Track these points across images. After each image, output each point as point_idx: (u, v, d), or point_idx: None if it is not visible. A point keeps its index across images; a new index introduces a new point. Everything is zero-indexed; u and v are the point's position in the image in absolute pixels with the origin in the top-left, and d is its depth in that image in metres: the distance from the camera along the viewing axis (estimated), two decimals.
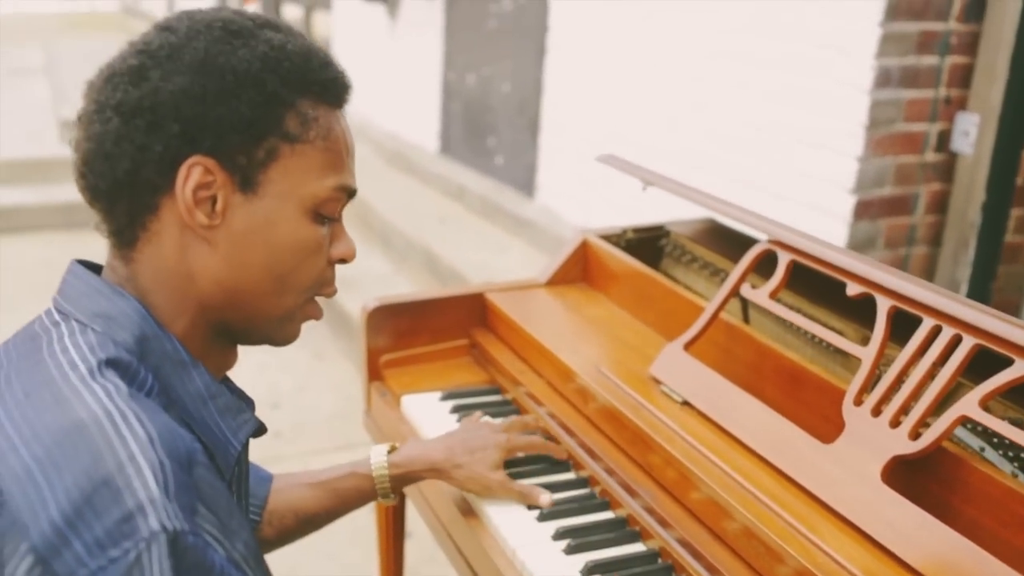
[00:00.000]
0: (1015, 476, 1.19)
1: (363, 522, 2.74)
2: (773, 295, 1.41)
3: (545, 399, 1.60)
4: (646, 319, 1.73)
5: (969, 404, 1.11)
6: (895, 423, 1.17)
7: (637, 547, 1.30)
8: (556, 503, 1.38)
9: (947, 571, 1.03)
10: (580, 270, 1.92)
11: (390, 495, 1.38)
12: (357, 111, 6.39)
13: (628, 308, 1.79)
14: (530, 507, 1.38)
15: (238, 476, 1.04)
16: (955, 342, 1.16)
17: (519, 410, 1.65)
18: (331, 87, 0.97)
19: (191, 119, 0.88)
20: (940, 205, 2.68)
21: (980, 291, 2.60)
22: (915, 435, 1.14)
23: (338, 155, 0.97)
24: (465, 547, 1.42)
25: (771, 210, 2.77)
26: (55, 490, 0.74)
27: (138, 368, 0.87)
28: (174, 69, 0.89)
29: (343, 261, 1.01)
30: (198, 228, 0.90)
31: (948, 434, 1.12)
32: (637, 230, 1.95)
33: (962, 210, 2.59)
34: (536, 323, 1.72)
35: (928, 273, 2.72)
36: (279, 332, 1.00)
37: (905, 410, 1.17)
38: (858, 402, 1.22)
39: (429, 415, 1.64)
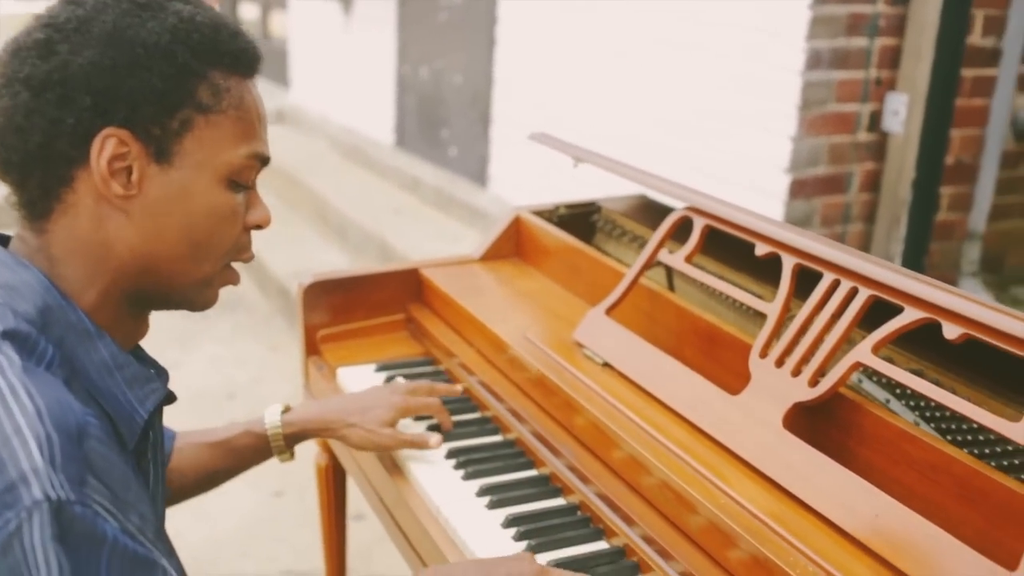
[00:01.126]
0: (917, 424, 1.25)
1: (311, 504, 2.78)
2: (688, 259, 1.46)
3: (476, 368, 1.64)
4: (576, 291, 1.78)
5: (863, 351, 1.16)
6: (796, 372, 1.22)
7: (558, 501, 1.35)
8: (480, 462, 1.42)
9: (842, 509, 1.08)
10: (513, 245, 1.97)
11: (285, 452, 1.43)
12: (313, 107, 6.40)
13: (559, 281, 1.84)
14: (456, 466, 1.42)
15: (152, 444, 1.05)
16: (852, 294, 1.22)
17: (451, 380, 1.69)
18: (242, 57, 0.99)
19: (102, 91, 0.90)
20: (873, 183, 2.75)
21: (913, 266, 2.67)
22: (814, 383, 1.20)
23: (250, 124, 0.99)
24: (395, 510, 1.46)
25: (713, 191, 2.83)
26: None
27: (37, 339, 0.88)
28: (83, 42, 0.90)
29: (258, 227, 1.05)
30: (114, 199, 0.92)
31: (844, 380, 1.17)
32: (569, 206, 2.00)
33: (893, 188, 2.66)
34: (468, 296, 1.76)
35: (863, 249, 2.78)
36: (198, 297, 1.03)
37: (806, 360, 1.22)
38: (763, 355, 1.27)
39: (363, 386, 1.68)
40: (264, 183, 4.13)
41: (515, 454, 1.46)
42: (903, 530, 1.02)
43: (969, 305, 1.07)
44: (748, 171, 2.75)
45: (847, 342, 1.23)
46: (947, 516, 1.06)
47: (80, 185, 0.92)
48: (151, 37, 0.92)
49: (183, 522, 2.70)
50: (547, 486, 1.38)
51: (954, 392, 1.25)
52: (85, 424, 0.83)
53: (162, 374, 1.04)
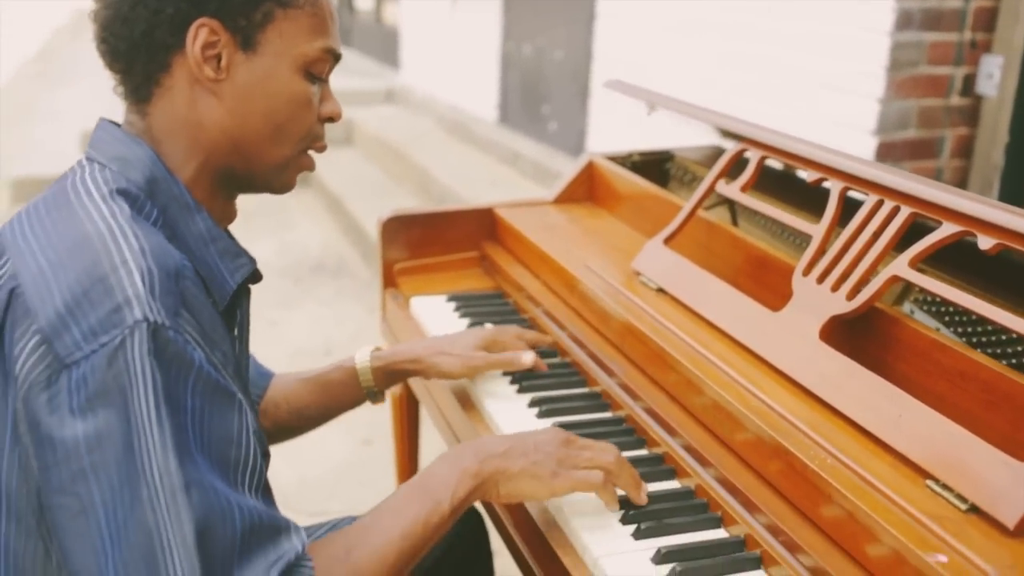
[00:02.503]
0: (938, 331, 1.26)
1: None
2: (744, 188, 1.50)
3: (541, 298, 1.71)
4: (644, 230, 1.82)
5: (900, 265, 1.19)
6: (836, 288, 1.25)
7: (606, 415, 1.40)
8: (535, 378, 1.48)
9: (867, 410, 1.11)
10: (586, 189, 2.02)
11: (374, 390, 1.48)
12: (422, 87, 6.56)
13: (628, 222, 1.89)
14: (518, 391, 1.47)
15: (239, 325, 1.15)
16: (894, 213, 1.24)
17: (518, 312, 1.76)
18: None
19: None
20: (966, 148, 2.71)
21: None
22: (852, 297, 1.22)
23: (324, 21, 1.10)
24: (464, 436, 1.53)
25: None
26: (60, 286, 0.88)
27: (145, 202, 1.00)
28: None
29: (331, 119, 1.14)
30: (206, 82, 1.04)
31: (881, 294, 1.20)
32: (643, 153, 2.05)
33: (986, 153, 2.62)
34: (537, 232, 1.83)
35: None
36: (277, 180, 1.13)
37: (846, 276, 1.25)
38: (806, 273, 1.30)
39: (435, 314, 1.76)
40: (371, 157, 4.37)
41: (570, 373, 1.52)
42: (924, 429, 1.05)
43: (1002, 214, 1.09)
44: (835, 134, 2.74)
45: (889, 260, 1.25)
46: (974, 420, 1.08)
47: (177, 70, 1.04)
48: None
49: (275, 465, 2.84)
50: (598, 400, 1.44)
51: None
52: (182, 267, 0.94)
53: (251, 258, 1.14)
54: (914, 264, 1.18)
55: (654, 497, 1.19)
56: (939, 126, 2.66)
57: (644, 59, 3.82)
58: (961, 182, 2.73)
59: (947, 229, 1.16)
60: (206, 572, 0.85)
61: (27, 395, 0.86)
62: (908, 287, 1.37)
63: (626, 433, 1.35)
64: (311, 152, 1.15)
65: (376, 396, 1.49)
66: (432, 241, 1.94)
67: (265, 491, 0.98)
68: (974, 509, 0.97)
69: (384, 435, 3.11)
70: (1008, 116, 2.53)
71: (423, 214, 1.93)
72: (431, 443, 2.33)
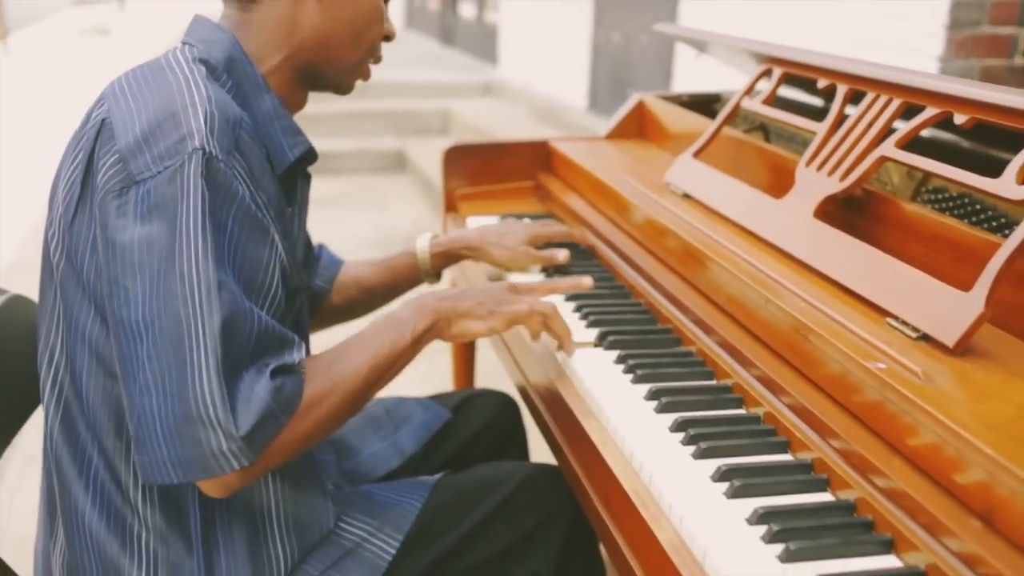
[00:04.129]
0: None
1: None
2: (767, 101, 1.62)
3: (586, 216, 1.85)
4: None
5: (888, 146, 1.29)
6: (832, 172, 1.36)
7: (631, 301, 1.54)
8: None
9: (844, 269, 1.23)
10: (637, 126, 2.16)
11: (431, 273, 1.66)
12: (517, 78, 6.75)
13: (672, 151, 2.01)
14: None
15: (299, 202, 1.33)
16: (887, 104, 1.35)
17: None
18: None
19: None
20: None
21: None
22: (845, 178, 1.34)
23: None
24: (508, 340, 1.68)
25: None
26: (140, 118, 1.07)
27: (221, 73, 1.19)
28: None
29: (388, 38, 1.35)
30: None
31: (871, 173, 1.31)
32: (692, 95, 2.17)
33: None
34: (586, 158, 1.97)
35: None
36: (345, 79, 1.32)
37: (841, 162, 1.36)
38: (808, 164, 1.42)
39: None
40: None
41: (595, 266, 1.66)
42: (891, 277, 1.16)
43: (974, 89, 1.19)
44: None
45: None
46: (944, 274, 1.18)
47: None
48: None
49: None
50: (623, 291, 1.58)
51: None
52: (241, 119, 1.12)
53: (308, 141, 1.32)
54: (900, 144, 1.28)
55: (657, 360, 1.32)
56: (1003, 84, 2.70)
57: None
58: None
59: (928, 112, 1.26)
60: (225, 358, 1.01)
61: (102, 200, 1.05)
62: (917, 191, 1.47)
63: (643, 312, 1.49)
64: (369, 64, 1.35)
65: (432, 277, 1.68)
66: (490, 170, 2.10)
67: (281, 321, 1.14)
68: (925, 337, 1.08)
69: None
70: None
71: (483, 145, 2.09)
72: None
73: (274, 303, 1.12)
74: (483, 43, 8.25)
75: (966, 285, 1.10)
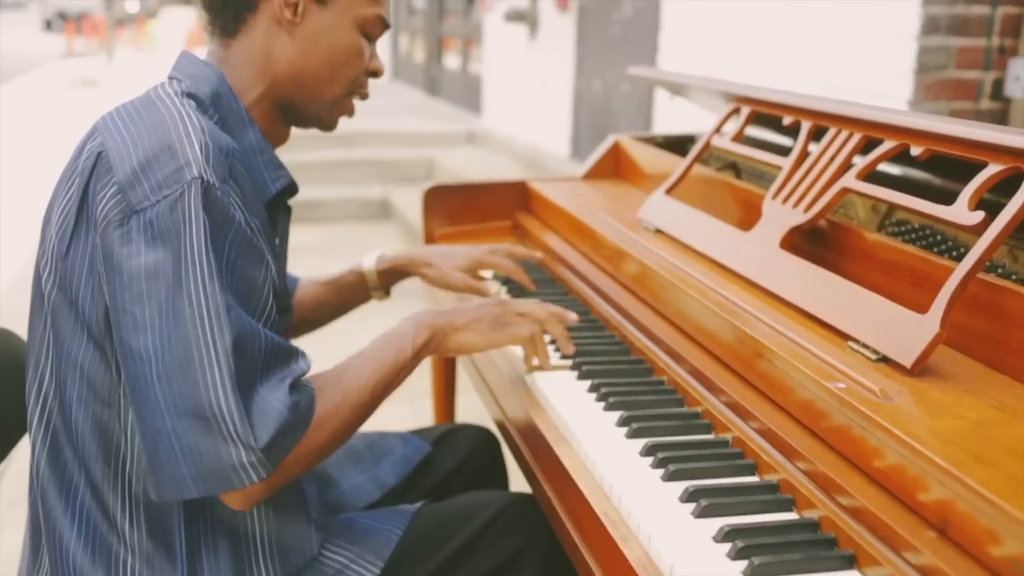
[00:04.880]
0: None
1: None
2: (735, 138, 1.66)
3: (562, 252, 1.89)
4: None
5: (849, 179, 1.34)
6: (796, 204, 1.40)
7: (604, 334, 1.57)
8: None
9: (805, 294, 1.27)
10: (613, 166, 2.21)
11: (379, 288, 1.71)
12: (501, 128, 6.84)
13: (647, 190, 2.05)
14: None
15: (280, 234, 1.36)
16: (848, 138, 1.39)
17: (544, 271, 1.93)
18: None
19: None
20: None
21: None
22: (808, 209, 1.38)
23: None
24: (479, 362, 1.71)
25: None
26: (136, 150, 1.11)
27: (209, 107, 1.23)
28: None
29: (375, 74, 1.38)
30: (285, 23, 1.27)
31: (833, 205, 1.35)
32: (667, 136, 2.23)
33: None
34: (563, 198, 2.01)
35: None
36: (326, 115, 1.36)
37: (805, 194, 1.40)
38: (774, 197, 1.46)
39: None
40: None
41: (570, 300, 1.70)
42: (850, 302, 1.19)
43: (932, 122, 1.24)
44: None
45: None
46: (904, 299, 1.21)
47: (261, 12, 1.27)
48: None
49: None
50: (596, 323, 1.61)
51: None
52: (232, 148, 1.16)
53: (289, 174, 1.36)
54: (861, 176, 1.33)
55: (628, 388, 1.35)
56: None
57: None
58: None
59: (887, 144, 1.31)
60: (238, 374, 1.05)
61: (104, 231, 1.08)
62: (881, 225, 1.51)
63: (616, 343, 1.52)
64: (355, 99, 1.38)
65: (381, 293, 1.73)
66: (469, 211, 2.14)
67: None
68: (884, 359, 1.11)
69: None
70: None
71: (463, 185, 2.14)
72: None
73: (269, 320, 1.17)
74: (467, 93, 8.36)
75: (924, 309, 1.14)
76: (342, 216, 6.38)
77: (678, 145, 2.21)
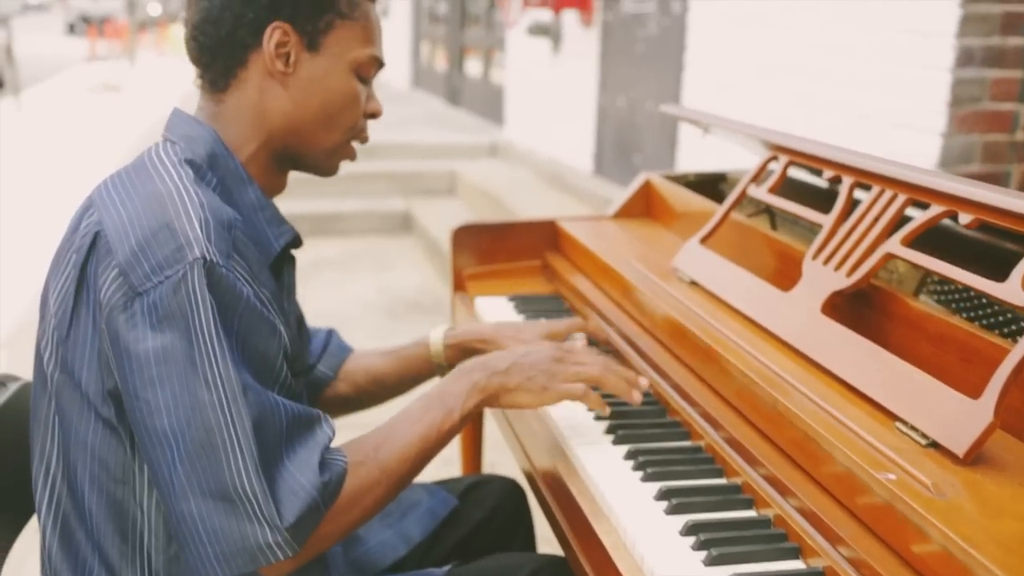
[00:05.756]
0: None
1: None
2: (772, 190, 1.63)
3: (593, 299, 1.86)
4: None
5: (894, 243, 1.31)
6: (838, 267, 1.37)
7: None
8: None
9: (852, 367, 1.23)
10: (643, 206, 2.18)
11: (444, 366, 1.62)
12: (523, 141, 6.81)
13: (679, 232, 2.03)
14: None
15: (287, 285, 1.35)
16: (892, 200, 1.36)
17: (572, 311, 1.91)
18: None
19: None
20: None
21: None
22: (851, 274, 1.35)
23: (372, 32, 1.32)
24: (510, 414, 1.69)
25: None
26: (135, 229, 1.09)
27: (206, 171, 1.21)
28: None
29: (373, 116, 1.36)
30: (276, 75, 1.25)
31: (876, 269, 1.32)
32: (698, 174, 2.20)
33: None
34: (593, 240, 1.99)
35: None
36: (325, 163, 1.34)
37: (848, 257, 1.37)
38: (815, 257, 1.43)
39: (496, 313, 1.93)
40: (472, 206, 4.66)
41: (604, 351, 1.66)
42: (897, 379, 1.16)
43: (978, 191, 1.20)
44: None
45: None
46: (951, 375, 1.19)
47: (252, 65, 1.25)
48: None
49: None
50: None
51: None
52: (234, 220, 1.14)
53: (292, 227, 1.34)
54: (906, 242, 1.30)
55: (666, 457, 1.32)
56: (1004, 160, 2.73)
57: (729, 105, 3.97)
58: None
59: (934, 210, 1.28)
60: (262, 458, 1.03)
61: (109, 316, 1.06)
62: (923, 282, 1.48)
63: (652, 403, 1.49)
64: (354, 143, 1.35)
65: (445, 371, 1.64)
66: (498, 250, 2.11)
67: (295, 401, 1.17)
68: (934, 444, 1.08)
69: None
70: None
71: (491, 225, 2.11)
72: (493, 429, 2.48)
73: (285, 387, 1.15)
74: (489, 104, 8.34)
75: (974, 388, 1.10)
76: (363, 229, 6.37)
77: (710, 184, 2.18)
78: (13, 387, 1.34)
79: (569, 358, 1.34)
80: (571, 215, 2.33)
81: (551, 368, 1.31)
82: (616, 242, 1.99)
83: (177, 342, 1.04)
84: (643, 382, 1.36)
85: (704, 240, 1.71)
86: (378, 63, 1.33)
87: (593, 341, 1.72)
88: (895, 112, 2.86)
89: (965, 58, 2.62)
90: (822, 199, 1.69)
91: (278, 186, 1.34)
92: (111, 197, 1.15)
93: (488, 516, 1.65)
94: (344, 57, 1.28)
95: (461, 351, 1.63)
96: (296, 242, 1.32)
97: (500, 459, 2.92)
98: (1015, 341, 1.17)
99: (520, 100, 7.00)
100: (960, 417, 1.06)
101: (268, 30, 1.23)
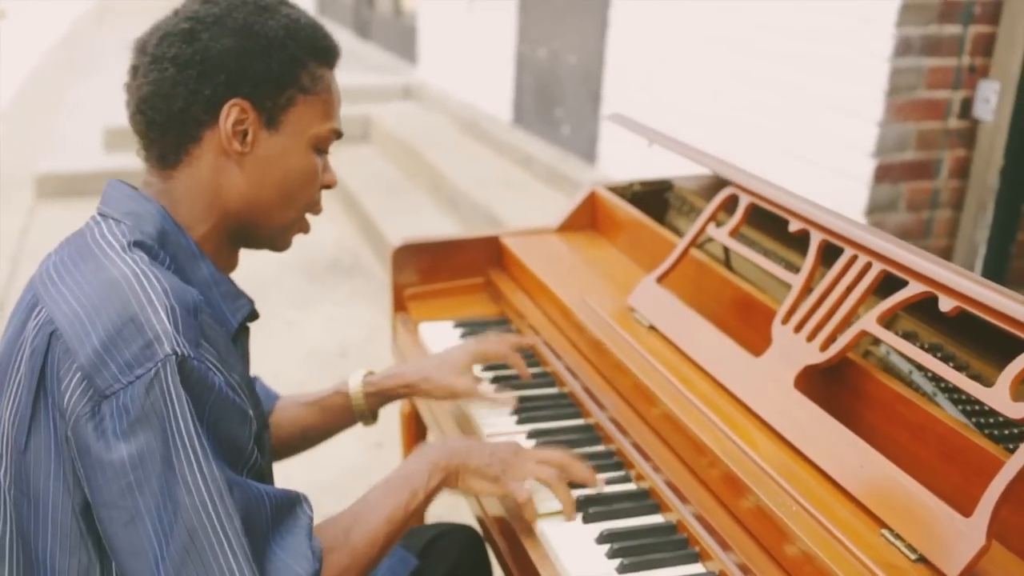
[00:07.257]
0: (934, 396, 1.35)
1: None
2: (732, 233, 1.58)
3: (541, 328, 1.80)
4: (641, 262, 1.91)
5: (869, 320, 1.27)
6: (811, 337, 1.34)
7: (599, 448, 1.50)
8: (535, 410, 1.58)
9: (833, 459, 1.21)
10: (589, 218, 2.11)
11: (366, 413, 1.58)
12: (437, 83, 6.64)
13: (626, 252, 1.97)
14: (511, 413, 1.58)
15: (241, 354, 1.27)
16: (866, 268, 1.33)
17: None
18: (332, 53, 1.24)
19: (234, 71, 1.14)
20: (962, 170, 2.78)
21: (998, 253, 2.69)
22: (825, 347, 1.31)
23: (333, 105, 1.24)
24: None
25: (801, 174, 2.91)
26: (95, 326, 1.00)
27: (158, 251, 1.12)
28: (220, 33, 1.14)
29: (327, 187, 1.28)
30: (233, 154, 1.16)
31: (851, 346, 1.29)
32: (643, 183, 2.13)
33: (982, 175, 2.69)
34: (540, 263, 1.92)
35: (950, 235, 2.82)
36: (280, 239, 1.27)
37: (821, 327, 1.34)
38: (785, 321, 1.39)
39: (441, 340, 1.86)
40: (387, 155, 4.52)
41: (567, 404, 1.62)
42: (883, 480, 1.14)
43: (962, 281, 1.17)
44: (835, 155, 2.81)
45: (859, 312, 1.33)
46: (930, 470, 1.17)
47: (206, 143, 1.16)
48: (271, 32, 1.17)
49: (291, 469, 2.96)
50: (591, 433, 1.54)
51: (967, 365, 1.36)
52: (199, 302, 1.07)
53: (249, 300, 1.26)
54: (881, 320, 1.26)
55: (640, 531, 1.29)
56: (937, 148, 2.74)
57: (654, 69, 3.90)
58: (957, 203, 2.81)
59: (913, 289, 1.24)
60: (251, 545, 1.00)
61: (75, 426, 0.98)
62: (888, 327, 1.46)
63: (616, 467, 1.45)
64: (308, 215, 1.28)
65: (368, 419, 1.60)
66: (440, 268, 2.03)
67: (261, 471, 1.15)
68: (922, 559, 1.06)
69: (394, 438, 3.21)
70: (1003, 140, 2.60)
71: (433, 242, 2.03)
72: None
73: (256, 468, 1.12)
74: (401, 39, 8.08)
75: (954, 488, 1.09)
76: None
77: (656, 195, 2.12)
78: None
79: (525, 454, 1.33)
80: (491, 165, 2.22)
81: (508, 459, 1.31)
82: (563, 265, 1.93)
83: (153, 444, 0.97)
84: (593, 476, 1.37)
85: (661, 279, 1.65)
86: (337, 135, 1.25)
87: (528, 354, 1.73)
88: (832, 97, 2.83)
89: (903, 47, 2.59)
90: (784, 238, 1.65)
91: (232, 262, 1.26)
92: (59, 290, 1.05)
93: (450, 572, 1.60)
94: (304, 134, 1.20)
95: (382, 398, 1.60)
96: (252, 315, 1.24)
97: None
98: (997, 442, 1.16)
99: (435, 39, 6.79)
100: (951, 536, 1.04)
101: (225, 107, 1.14)
